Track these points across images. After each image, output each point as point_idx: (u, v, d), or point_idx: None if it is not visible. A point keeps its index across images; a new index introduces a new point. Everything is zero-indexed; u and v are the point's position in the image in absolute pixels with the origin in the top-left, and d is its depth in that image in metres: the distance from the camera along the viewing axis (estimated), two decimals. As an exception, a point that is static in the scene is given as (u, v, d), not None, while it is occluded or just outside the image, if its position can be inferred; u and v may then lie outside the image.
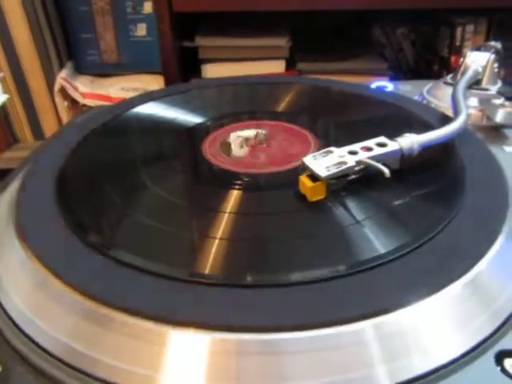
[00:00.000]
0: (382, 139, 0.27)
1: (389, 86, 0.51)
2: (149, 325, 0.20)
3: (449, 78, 0.44)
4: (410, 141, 0.27)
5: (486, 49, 0.43)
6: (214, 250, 0.24)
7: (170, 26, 0.67)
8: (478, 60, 0.41)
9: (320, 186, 0.25)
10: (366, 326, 0.20)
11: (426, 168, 0.29)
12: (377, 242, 0.24)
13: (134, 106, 0.39)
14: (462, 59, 0.43)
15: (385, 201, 0.27)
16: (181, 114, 0.38)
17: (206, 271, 0.23)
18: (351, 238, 0.24)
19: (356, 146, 0.27)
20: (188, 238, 0.26)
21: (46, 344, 0.21)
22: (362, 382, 0.19)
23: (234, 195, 0.28)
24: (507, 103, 0.38)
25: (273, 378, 0.19)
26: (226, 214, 0.26)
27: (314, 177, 0.25)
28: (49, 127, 0.84)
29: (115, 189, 0.29)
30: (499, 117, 0.38)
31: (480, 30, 0.73)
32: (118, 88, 0.81)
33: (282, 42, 0.77)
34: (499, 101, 0.38)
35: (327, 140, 0.34)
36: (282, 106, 0.40)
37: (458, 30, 0.72)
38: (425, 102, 0.44)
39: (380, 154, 0.26)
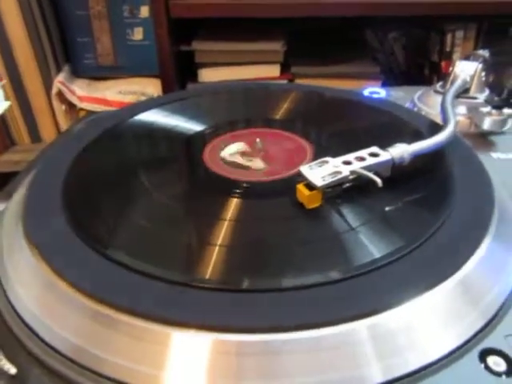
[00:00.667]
0: (374, 149, 0.29)
1: (381, 92, 0.53)
2: (152, 326, 0.21)
3: (438, 85, 0.46)
4: (400, 150, 0.29)
5: (475, 58, 0.45)
6: (214, 255, 0.25)
7: (167, 32, 0.69)
8: (466, 69, 0.43)
9: (316, 195, 0.27)
10: (359, 327, 0.21)
11: (416, 175, 0.31)
12: (370, 246, 0.25)
13: (136, 113, 0.40)
14: (451, 68, 0.44)
15: (378, 207, 0.28)
16: (182, 122, 0.40)
17: (207, 276, 0.24)
18: (346, 244, 0.26)
19: (350, 156, 0.28)
20: (190, 244, 0.27)
21: (56, 344, 0.22)
22: (356, 379, 0.21)
23: (234, 202, 0.29)
24: (494, 111, 0.39)
25: (272, 377, 0.20)
26: (227, 221, 0.27)
27: (310, 186, 0.27)
28: (46, 130, 0.84)
29: (120, 195, 0.31)
30: (486, 124, 0.40)
31: (469, 36, 0.75)
32: (116, 91, 0.82)
33: (277, 47, 0.79)
34: (486, 109, 0.40)
35: (322, 148, 0.35)
36: (278, 114, 0.42)
37: (448, 36, 0.74)
38: (416, 108, 0.46)
39: (372, 164, 0.28)
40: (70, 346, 0.22)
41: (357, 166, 0.27)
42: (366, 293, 0.23)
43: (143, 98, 0.83)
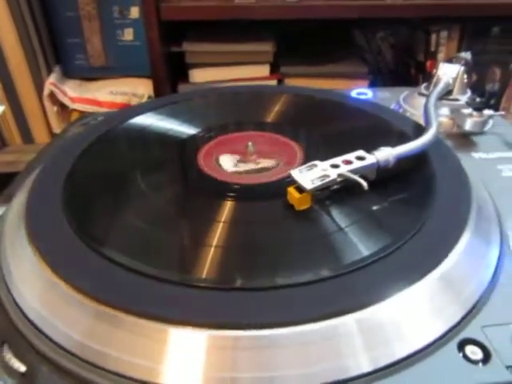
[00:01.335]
0: (360, 153, 0.30)
1: (368, 93, 0.55)
2: (151, 324, 0.23)
3: (423, 87, 0.47)
4: (385, 154, 0.30)
5: (457, 60, 0.47)
6: (209, 256, 0.27)
7: (158, 34, 0.69)
8: (449, 72, 0.44)
9: (306, 197, 0.28)
10: (348, 321, 0.23)
11: (400, 176, 0.32)
12: (357, 245, 0.27)
13: (131, 117, 0.41)
14: (434, 70, 0.46)
15: (364, 208, 0.30)
16: (176, 126, 0.41)
17: (203, 276, 0.25)
18: (334, 243, 0.27)
19: (338, 160, 0.29)
20: (186, 245, 0.28)
21: (62, 342, 0.24)
22: (346, 369, 0.22)
23: (228, 205, 0.30)
24: (474, 113, 0.41)
25: (264, 369, 0.22)
26: (221, 223, 0.29)
27: (300, 188, 0.28)
28: (38, 131, 0.85)
29: (118, 197, 0.32)
30: (468, 125, 0.41)
31: (453, 37, 0.77)
32: (107, 92, 0.83)
33: (267, 47, 0.80)
34: (468, 111, 0.41)
35: (312, 150, 0.36)
36: (269, 117, 0.43)
37: (433, 37, 0.76)
38: (401, 110, 0.47)
39: (359, 167, 0.29)
40: (75, 342, 0.23)
41: (344, 169, 0.29)
42: (354, 289, 0.24)
43: (134, 99, 0.84)
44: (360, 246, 0.27)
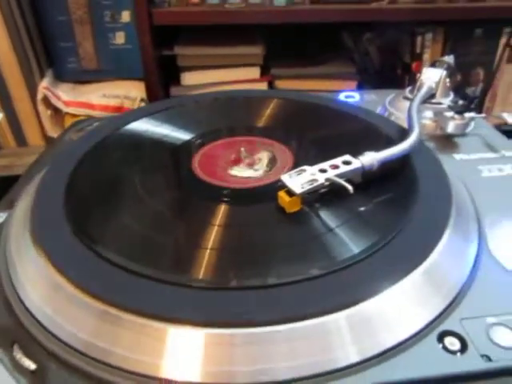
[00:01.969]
0: (347, 157, 0.32)
1: (356, 95, 0.56)
2: (152, 323, 0.24)
3: (408, 91, 0.49)
4: (370, 158, 0.32)
5: (440, 64, 0.48)
6: (206, 258, 0.28)
7: (150, 38, 0.71)
8: (432, 76, 0.46)
9: (296, 200, 0.30)
10: (337, 317, 0.24)
11: (385, 178, 0.34)
12: (346, 245, 0.29)
13: (128, 123, 0.43)
14: (418, 75, 0.48)
15: (351, 209, 0.31)
16: (171, 131, 0.42)
17: (200, 276, 0.27)
18: (323, 243, 0.29)
19: (325, 165, 0.31)
20: (184, 248, 0.30)
21: (69, 340, 0.25)
22: (335, 361, 0.24)
23: (222, 208, 0.32)
24: (456, 116, 0.43)
25: (261, 363, 0.23)
26: (216, 226, 0.30)
27: (290, 192, 0.30)
28: (32, 134, 0.86)
29: (118, 203, 0.34)
30: (450, 128, 0.43)
31: (438, 39, 0.79)
32: (100, 95, 0.84)
33: (257, 50, 0.81)
34: (450, 114, 0.43)
35: (301, 154, 0.38)
36: (260, 122, 0.45)
37: (418, 39, 0.78)
38: (387, 113, 0.49)
39: (345, 172, 0.31)
40: (81, 341, 0.25)
41: (331, 173, 0.30)
42: (343, 287, 0.26)
43: (127, 101, 0.85)
44: (347, 245, 0.29)
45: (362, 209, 0.32)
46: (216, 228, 0.30)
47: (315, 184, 0.30)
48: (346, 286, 0.26)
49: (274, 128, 0.43)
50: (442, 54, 0.80)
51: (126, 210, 0.33)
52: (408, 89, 0.50)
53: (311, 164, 0.32)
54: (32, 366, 0.24)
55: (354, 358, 0.24)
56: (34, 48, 0.84)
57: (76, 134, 0.50)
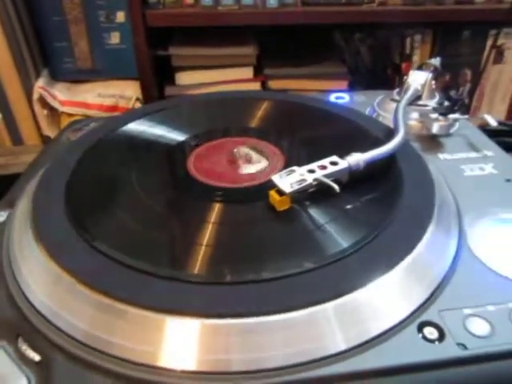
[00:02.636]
0: (334, 158, 0.34)
1: (346, 96, 0.58)
2: (151, 314, 0.26)
3: (395, 92, 0.51)
4: (356, 158, 0.34)
5: (427, 67, 0.50)
6: (201, 253, 0.30)
7: (144, 40, 0.72)
8: (418, 79, 0.48)
9: (286, 199, 0.32)
10: (326, 308, 0.26)
11: (371, 177, 0.35)
12: (335, 240, 0.30)
13: (124, 124, 0.44)
14: (405, 77, 0.50)
15: (339, 207, 0.33)
16: (166, 132, 0.44)
17: (195, 271, 0.28)
18: (313, 239, 0.30)
19: (314, 165, 0.33)
20: (181, 244, 0.31)
21: (71, 332, 0.26)
22: (324, 348, 0.25)
23: (216, 206, 0.34)
24: (441, 118, 0.45)
25: (255, 351, 0.25)
26: (211, 223, 0.32)
27: (280, 191, 0.32)
28: (28, 133, 0.87)
29: (116, 201, 0.35)
30: (435, 129, 0.45)
31: (427, 40, 0.81)
32: (95, 94, 0.85)
33: (250, 51, 0.83)
34: (435, 115, 0.45)
35: (291, 155, 0.40)
36: (253, 122, 0.46)
37: (408, 40, 0.80)
38: (375, 113, 0.51)
39: (332, 172, 0.33)
40: (82, 332, 0.26)
41: (319, 174, 0.32)
42: (331, 279, 0.27)
43: (122, 101, 0.86)
44: (336, 240, 0.30)
45: (350, 206, 0.33)
46: (211, 225, 0.32)
47: (304, 184, 0.31)
48: (335, 279, 0.27)
49: (266, 129, 0.45)
50: (431, 55, 0.82)
51: (124, 207, 0.35)
52: (396, 91, 0.51)
53: (301, 164, 0.34)
54: (36, 357, 0.26)
55: (342, 346, 0.26)
56: (29, 48, 0.85)
57: (73, 133, 0.51)
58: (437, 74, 0.50)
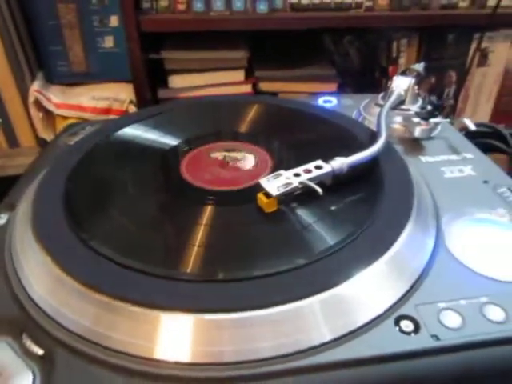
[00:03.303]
0: (319, 162, 0.36)
1: (333, 100, 0.60)
2: (146, 311, 0.27)
3: (380, 97, 0.53)
4: (340, 163, 0.36)
5: (410, 72, 0.52)
6: (194, 253, 0.31)
7: (138, 44, 0.73)
8: (401, 84, 0.50)
9: (273, 201, 0.34)
10: (311, 301, 0.28)
11: (354, 179, 0.37)
12: (320, 239, 0.32)
13: (120, 128, 0.46)
14: (389, 82, 0.52)
15: (324, 208, 0.35)
16: (159, 137, 0.45)
17: (188, 270, 0.30)
18: (298, 238, 0.32)
19: (299, 169, 0.35)
20: (174, 245, 0.33)
21: (72, 327, 0.28)
22: (310, 340, 0.27)
23: (208, 209, 0.35)
24: (422, 122, 0.47)
25: (246, 343, 0.27)
26: (202, 225, 0.34)
27: (268, 194, 0.34)
28: (23, 135, 0.88)
29: (113, 203, 0.37)
30: (417, 132, 0.47)
31: (413, 44, 0.83)
32: (90, 97, 0.86)
33: (241, 54, 0.84)
34: (417, 119, 0.47)
35: (279, 158, 0.42)
36: (243, 127, 0.48)
37: (394, 44, 0.82)
38: (361, 117, 0.53)
39: (317, 175, 0.35)
40: (83, 327, 0.28)
41: (304, 177, 0.34)
42: (316, 275, 0.29)
43: (116, 103, 0.88)
44: (320, 239, 0.32)
45: (333, 207, 0.35)
46: (202, 227, 0.34)
47: (290, 187, 0.33)
48: (319, 275, 0.29)
49: (256, 133, 0.47)
50: (417, 58, 0.84)
51: (120, 210, 0.36)
52: (380, 95, 0.53)
53: (287, 168, 0.36)
54: (40, 351, 0.27)
55: (327, 337, 0.27)
56: (24, 51, 0.86)
57: (69, 137, 0.53)
58: (420, 79, 0.52)
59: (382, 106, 0.47)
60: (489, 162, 0.46)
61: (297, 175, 0.34)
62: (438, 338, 0.28)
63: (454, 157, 0.46)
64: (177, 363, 0.26)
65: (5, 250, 0.35)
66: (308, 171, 0.35)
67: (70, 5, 0.83)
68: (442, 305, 0.30)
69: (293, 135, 0.46)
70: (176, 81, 0.85)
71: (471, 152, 0.47)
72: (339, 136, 0.45)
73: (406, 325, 0.28)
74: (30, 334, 0.28)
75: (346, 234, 0.32)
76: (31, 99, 0.83)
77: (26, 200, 0.39)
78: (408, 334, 0.28)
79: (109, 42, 0.88)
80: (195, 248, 0.32)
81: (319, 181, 0.35)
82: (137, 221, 0.35)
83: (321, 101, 0.59)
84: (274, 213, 0.34)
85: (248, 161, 0.41)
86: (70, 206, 0.35)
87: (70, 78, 0.91)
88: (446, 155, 0.46)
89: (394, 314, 0.29)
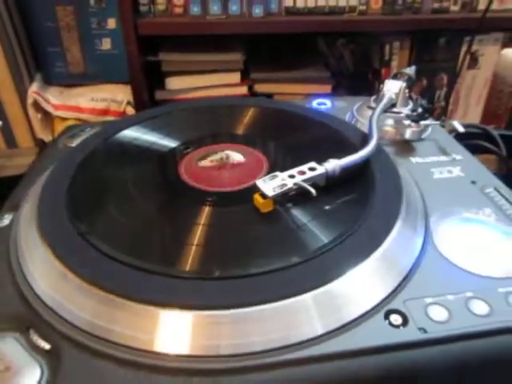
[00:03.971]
0: (312, 164, 0.37)
1: (327, 102, 0.61)
2: (147, 307, 0.29)
3: (372, 100, 0.54)
4: (333, 164, 0.37)
5: (401, 76, 0.54)
6: (192, 252, 0.33)
7: (136, 47, 0.75)
8: (392, 88, 0.51)
9: (269, 202, 0.35)
10: (305, 298, 0.29)
11: (346, 180, 0.39)
12: (313, 238, 0.33)
13: (119, 130, 0.48)
14: (381, 86, 0.53)
15: (318, 208, 0.36)
16: (158, 139, 0.47)
17: (187, 268, 0.31)
18: (293, 237, 0.34)
19: (294, 171, 0.36)
20: (174, 244, 0.34)
21: (76, 322, 0.29)
22: (303, 334, 0.28)
23: (206, 209, 0.37)
24: (413, 124, 0.48)
25: (242, 337, 0.28)
26: (200, 225, 0.35)
27: (264, 195, 0.35)
28: (22, 136, 0.89)
29: (114, 204, 0.38)
30: (407, 134, 0.49)
31: (405, 47, 0.85)
32: (88, 99, 0.87)
33: (237, 57, 0.86)
34: (407, 122, 0.49)
35: (275, 160, 0.43)
36: (240, 129, 0.50)
37: (387, 47, 0.84)
38: (354, 119, 0.54)
39: (311, 177, 0.36)
40: (87, 322, 0.29)
41: (299, 179, 0.35)
42: (310, 273, 0.31)
43: (114, 104, 0.89)
44: (314, 238, 0.34)
45: (327, 207, 0.37)
46: (201, 227, 0.35)
47: (285, 188, 0.35)
48: (313, 272, 0.31)
49: (252, 136, 0.48)
50: (409, 61, 0.86)
51: (121, 210, 0.37)
52: (372, 98, 0.55)
53: (283, 170, 0.37)
54: (47, 346, 0.28)
55: (320, 331, 0.29)
56: (23, 53, 0.87)
57: (68, 139, 0.54)
58: (411, 83, 0.54)
59: (373, 109, 0.49)
60: (477, 163, 0.47)
61: (292, 176, 0.36)
62: (425, 331, 0.29)
63: (443, 158, 0.47)
64: (177, 356, 0.28)
65: (10, 249, 0.36)
66: (302, 173, 0.36)
67: (68, 7, 0.84)
68: (429, 299, 0.31)
69: (288, 137, 0.48)
70: (173, 82, 0.87)
71: (460, 153, 0.48)
72: (332, 138, 0.47)
73: (395, 318, 0.30)
74: (36, 329, 0.30)
75: (338, 233, 0.34)
76: (30, 100, 0.84)
77: (30, 201, 0.40)
78: (397, 327, 0.29)
79: (106, 44, 0.89)
80: (194, 247, 0.33)
81: (313, 182, 0.37)
82: (137, 220, 0.36)
83: (315, 103, 0.61)
84: (269, 213, 0.36)
85: (244, 162, 0.43)
86: (73, 206, 0.37)
87: (68, 79, 0.92)
88: (435, 156, 0.48)
89: (384, 308, 0.31)
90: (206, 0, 0.75)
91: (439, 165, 0.46)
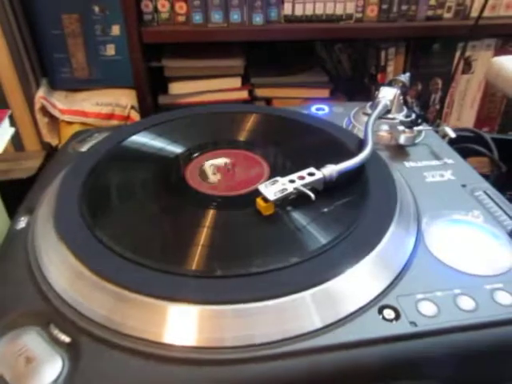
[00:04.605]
0: (311, 169, 0.40)
1: (325, 108, 0.64)
2: (157, 302, 0.31)
3: (368, 106, 0.57)
4: (330, 170, 0.40)
5: (396, 83, 0.56)
6: (198, 252, 0.35)
7: (140, 55, 0.77)
8: (387, 95, 0.54)
9: (270, 205, 0.37)
10: (304, 295, 0.31)
11: (343, 184, 0.41)
12: (312, 239, 0.36)
13: (127, 136, 0.50)
14: (376, 92, 0.55)
15: (316, 211, 0.38)
16: (166, 145, 0.49)
17: (194, 267, 0.34)
18: (293, 239, 0.36)
19: (294, 176, 0.39)
20: (182, 245, 0.36)
21: (93, 317, 0.31)
22: (302, 328, 0.30)
23: (210, 212, 0.39)
24: (406, 130, 0.51)
25: (245, 330, 0.30)
26: (205, 227, 0.37)
27: (265, 199, 0.37)
28: (28, 139, 0.91)
29: (124, 206, 0.40)
30: (401, 140, 0.51)
31: (400, 52, 0.87)
32: (93, 103, 0.90)
33: (238, 62, 0.88)
34: (401, 127, 0.51)
35: (275, 165, 0.45)
36: (242, 136, 0.52)
37: (383, 53, 0.86)
38: (351, 125, 0.57)
39: (310, 182, 0.38)
40: (103, 317, 0.31)
41: (298, 183, 0.38)
42: (309, 271, 0.33)
43: (118, 109, 0.91)
44: (313, 239, 0.36)
45: (325, 210, 0.39)
46: (206, 229, 0.37)
47: (285, 192, 0.37)
48: (312, 271, 0.33)
49: (254, 142, 0.50)
50: (404, 66, 0.88)
51: (131, 212, 0.40)
52: (368, 104, 0.57)
53: (283, 175, 0.39)
54: (67, 339, 0.30)
55: (318, 324, 0.31)
56: (30, 60, 0.89)
57: (77, 144, 0.56)
58: (406, 90, 0.56)
59: (369, 115, 0.51)
60: (468, 167, 0.49)
61: (292, 181, 0.38)
62: (415, 325, 0.31)
63: (435, 162, 0.49)
64: (184, 347, 0.30)
65: (29, 249, 0.38)
66: (301, 178, 0.39)
67: (74, 15, 0.86)
68: (419, 296, 0.33)
69: (289, 143, 0.50)
70: (176, 87, 0.89)
71: (452, 158, 0.50)
72: (330, 144, 0.49)
73: (388, 313, 0.32)
74: (56, 324, 0.32)
75: (335, 234, 0.36)
76: (37, 106, 0.86)
77: (45, 203, 0.42)
78: (390, 321, 0.31)
79: (110, 50, 0.91)
80: (199, 247, 0.35)
81: (311, 187, 0.39)
82: (148, 222, 0.39)
83: (313, 109, 0.63)
84: (271, 216, 0.38)
85: (246, 168, 0.45)
86: (87, 208, 0.39)
87: (73, 84, 0.94)
88: (428, 161, 0.50)
89: (378, 304, 0.33)
90: (208, 9, 0.78)
91: (431, 169, 0.48)
